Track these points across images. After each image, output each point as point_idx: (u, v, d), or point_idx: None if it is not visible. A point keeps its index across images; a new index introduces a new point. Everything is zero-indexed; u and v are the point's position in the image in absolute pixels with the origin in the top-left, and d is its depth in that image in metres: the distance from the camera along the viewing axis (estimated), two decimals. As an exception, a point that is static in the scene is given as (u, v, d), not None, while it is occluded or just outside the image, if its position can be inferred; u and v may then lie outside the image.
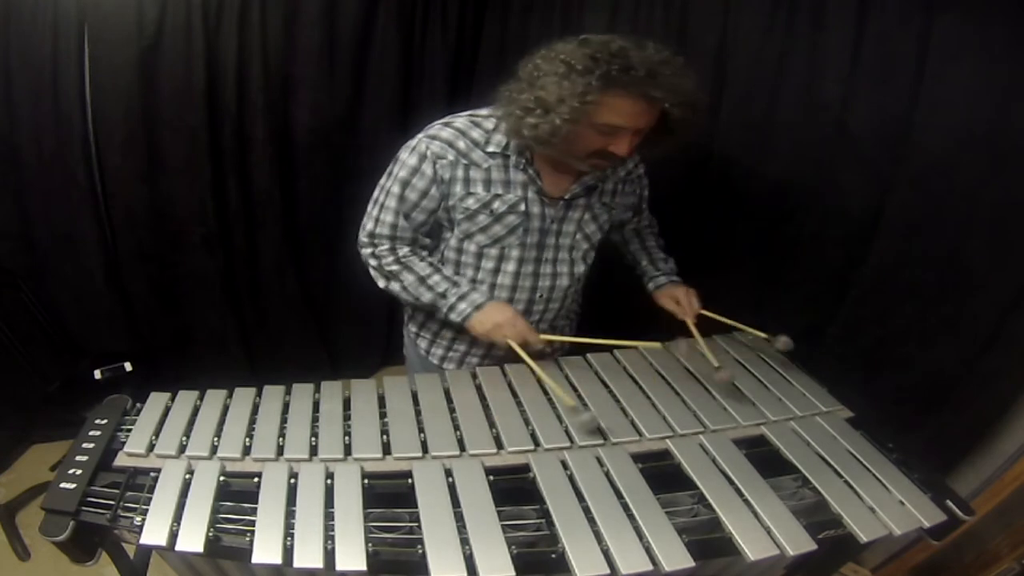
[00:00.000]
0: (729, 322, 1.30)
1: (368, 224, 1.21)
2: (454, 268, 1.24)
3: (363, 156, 2.16)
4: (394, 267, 1.20)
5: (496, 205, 1.15)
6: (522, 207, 1.17)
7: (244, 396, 1.10)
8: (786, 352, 1.25)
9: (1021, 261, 1.29)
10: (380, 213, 1.18)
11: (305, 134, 2.09)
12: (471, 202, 1.15)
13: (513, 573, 0.77)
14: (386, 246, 1.20)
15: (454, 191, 1.15)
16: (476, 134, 1.14)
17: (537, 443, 1.00)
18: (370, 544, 0.81)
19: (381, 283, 1.24)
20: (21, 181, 1.82)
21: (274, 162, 2.05)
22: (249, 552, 0.80)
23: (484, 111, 1.16)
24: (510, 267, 1.21)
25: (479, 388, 1.14)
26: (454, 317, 1.19)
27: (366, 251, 1.23)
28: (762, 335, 1.27)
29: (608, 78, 0.96)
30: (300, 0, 1.90)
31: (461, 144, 1.13)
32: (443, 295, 1.19)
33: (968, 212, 1.32)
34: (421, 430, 1.03)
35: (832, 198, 1.52)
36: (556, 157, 1.12)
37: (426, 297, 1.20)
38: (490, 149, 1.14)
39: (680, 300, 1.32)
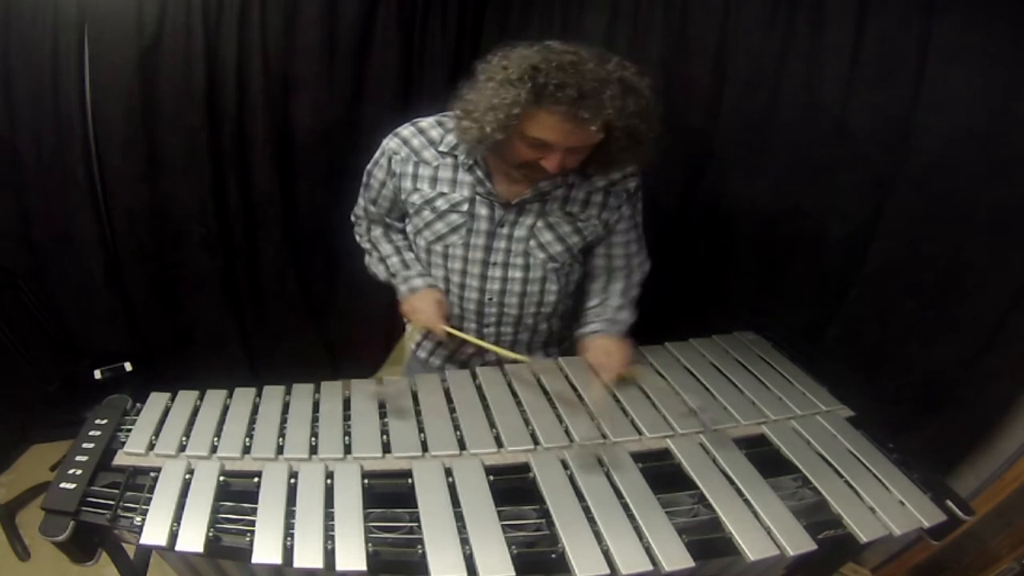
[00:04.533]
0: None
1: (357, 204, 1.34)
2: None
3: (363, 156, 2.13)
4: (366, 244, 1.35)
5: (439, 203, 1.17)
6: (466, 207, 1.15)
7: (244, 396, 1.10)
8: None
9: (1021, 261, 1.29)
10: (359, 196, 1.31)
11: (305, 134, 2.08)
12: (416, 198, 1.18)
13: (513, 573, 0.77)
14: (363, 225, 1.34)
15: (404, 186, 1.19)
16: (434, 133, 1.16)
17: (537, 442, 1.01)
18: (370, 544, 0.81)
19: (365, 257, 1.37)
20: (21, 181, 1.82)
21: (274, 162, 2.05)
22: (249, 552, 0.80)
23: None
24: (456, 265, 1.21)
25: (479, 388, 1.14)
26: (398, 296, 1.28)
27: (354, 227, 1.37)
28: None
29: (539, 93, 0.92)
30: (300, 0, 1.90)
31: (415, 142, 1.17)
32: (394, 275, 1.29)
33: (968, 212, 1.32)
34: (421, 429, 1.03)
35: (832, 198, 1.52)
36: (497, 161, 1.10)
37: (383, 275, 1.32)
38: (442, 148, 1.15)
39: (612, 353, 1.15)
